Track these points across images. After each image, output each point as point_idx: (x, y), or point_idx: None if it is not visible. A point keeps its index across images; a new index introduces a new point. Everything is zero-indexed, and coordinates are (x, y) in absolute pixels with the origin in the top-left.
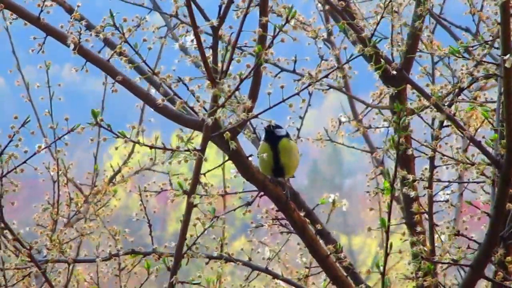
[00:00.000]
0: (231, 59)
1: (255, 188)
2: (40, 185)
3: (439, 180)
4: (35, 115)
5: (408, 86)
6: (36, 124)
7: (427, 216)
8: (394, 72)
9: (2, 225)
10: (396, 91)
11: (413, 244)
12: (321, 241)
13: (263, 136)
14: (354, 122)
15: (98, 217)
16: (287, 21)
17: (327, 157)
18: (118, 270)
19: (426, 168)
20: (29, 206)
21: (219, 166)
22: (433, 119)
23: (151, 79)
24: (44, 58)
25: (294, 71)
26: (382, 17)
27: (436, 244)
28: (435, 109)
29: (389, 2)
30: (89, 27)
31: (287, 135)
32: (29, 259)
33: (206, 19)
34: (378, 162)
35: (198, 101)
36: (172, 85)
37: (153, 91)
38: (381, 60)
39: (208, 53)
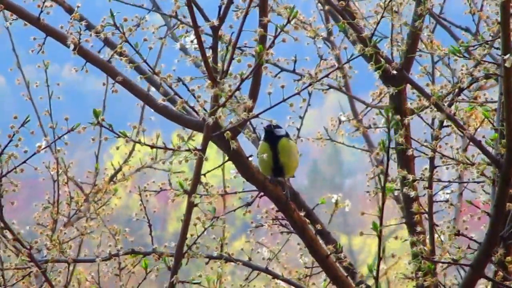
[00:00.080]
0: (231, 58)
1: (255, 188)
2: (40, 185)
3: (439, 180)
4: (36, 114)
5: (408, 86)
6: (36, 124)
7: (427, 216)
8: (395, 72)
9: (2, 225)
10: (396, 90)
11: (413, 244)
12: (321, 241)
13: (262, 136)
14: (354, 121)
15: (98, 216)
16: (289, 21)
17: (327, 157)
18: (118, 270)
19: (426, 168)
20: (29, 205)
21: (219, 166)
22: (433, 119)
23: (151, 79)
24: (45, 58)
25: (294, 71)
26: (382, 16)
27: (436, 244)
28: (435, 109)
29: (389, 2)
30: (89, 27)
31: (287, 135)
32: (29, 259)
33: (206, 19)
34: (378, 161)
35: (198, 101)
36: (172, 85)
37: (153, 90)
38: (381, 59)
39: (208, 53)
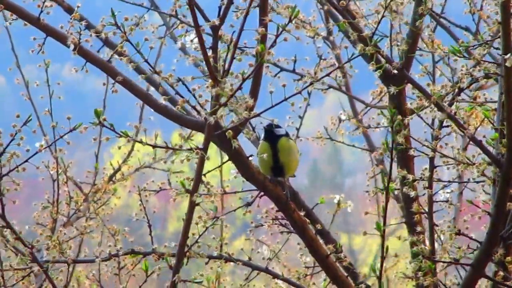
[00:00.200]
0: (232, 58)
1: (255, 188)
2: (40, 184)
3: (439, 180)
4: (35, 114)
5: (407, 86)
6: (36, 123)
7: (427, 216)
8: (395, 72)
9: (4, 223)
10: (397, 90)
11: (413, 244)
12: (321, 241)
13: (262, 135)
14: (354, 120)
15: (98, 216)
16: (290, 21)
17: (327, 157)
18: (117, 269)
19: (426, 168)
20: (29, 205)
21: (220, 166)
22: (433, 119)
23: (150, 79)
24: (45, 57)
25: (293, 71)
26: (383, 16)
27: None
28: (435, 109)
29: (390, 1)
30: (89, 27)
31: (287, 134)
32: (31, 259)
33: (206, 19)
34: (378, 161)
35: (199, 101)
36: (173, 84)
37: (151, 90)
38: (382, 59)
39: (208, 53)
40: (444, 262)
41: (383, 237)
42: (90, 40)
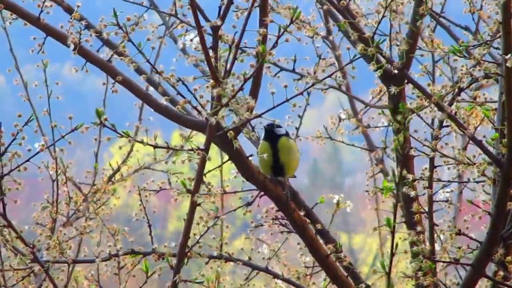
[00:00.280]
0: (234, 58)
1: (255, 188)
2: (40, 184)
3: (439, 180)
4: (34, 114)
5: (407, 86)
6: (35, 123)
7: (427, 216)
8: (396, 71)
9: (5, 223)
10: (397, 90)
11: (413, 243)
12: (321, 241)
13: (262, 135)
14: (354, 119)
15: (97, 216)
16: (292, 21)
17: (327, 156)
18: (117, 269)
19: (426, 168)
20: (29, 205)
21: (220, 165)
22: (433, 119)
23: (149, 79)
24: (45, 57)
25: (293, 71)
26: (383, 16)
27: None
28: (435, 109)
29: (390, 1)
30: (89, 27)
31: (287, 134)
32: (32, 258)
33: (206, 19)
34: (378, 160)
35: (200, 102)
36: (174, 84)
37: (151, 89)
38: (382, 59)
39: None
40: (444, 262)
41: (393, 233)
42: (90, 40)
